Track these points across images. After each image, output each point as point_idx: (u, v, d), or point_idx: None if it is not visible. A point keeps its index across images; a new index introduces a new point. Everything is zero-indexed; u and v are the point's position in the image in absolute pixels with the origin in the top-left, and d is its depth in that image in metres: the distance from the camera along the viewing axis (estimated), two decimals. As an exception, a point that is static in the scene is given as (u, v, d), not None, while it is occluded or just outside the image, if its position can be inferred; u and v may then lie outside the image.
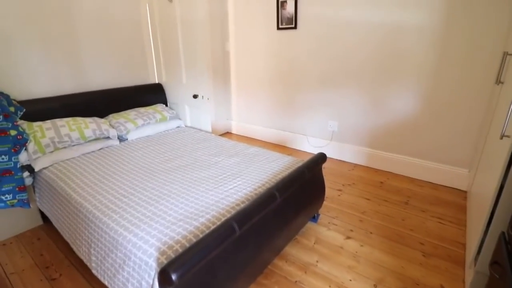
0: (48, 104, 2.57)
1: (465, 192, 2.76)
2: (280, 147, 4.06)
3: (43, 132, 2.27)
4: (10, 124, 2.05)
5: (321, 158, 2.10)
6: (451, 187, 2.85)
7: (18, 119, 2.25)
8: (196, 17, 2.90)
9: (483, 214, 1.54)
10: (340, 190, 2.83)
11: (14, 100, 2.38)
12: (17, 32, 2.39)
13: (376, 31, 2.92)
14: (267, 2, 3.68)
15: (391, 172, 3.20)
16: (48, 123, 2.38)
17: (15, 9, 2.35)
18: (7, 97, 2.26)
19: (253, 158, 2.26)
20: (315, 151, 3.78)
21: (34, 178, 2.21)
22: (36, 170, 2.14)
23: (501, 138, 1.37)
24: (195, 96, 3.25)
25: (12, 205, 2.03)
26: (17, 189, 2.04)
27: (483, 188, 1.81)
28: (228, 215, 1.47)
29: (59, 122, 2.43)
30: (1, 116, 1.98)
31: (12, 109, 2.23)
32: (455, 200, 2.62)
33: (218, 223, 1.40)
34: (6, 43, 2.34)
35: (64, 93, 2.76)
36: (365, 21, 2.97)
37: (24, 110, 2.38)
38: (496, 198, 1.36)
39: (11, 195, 2.02)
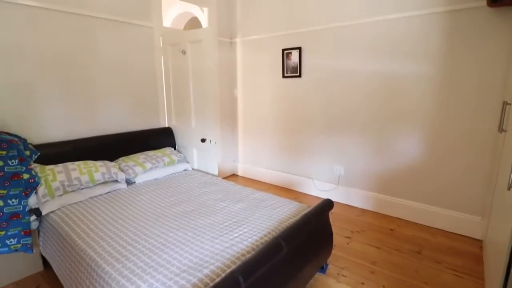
0: (62, 147, 2.67)
1: (480, 241, 2.65)
2: (286, 191, 4.03)
3: (54, 175, 2.33)
4: (24, 168, 2.12)
5: (328, 205, 2.08)
6: (465, 236, 2.74)
7: (32, 163, 2.33)
8: (207, 66, 3.11)
9: (500, 267, 1.47)
10: (348, 237, 2.74)
11: (30, 144, 2.48)
12: (38, 79, 2.57)
13: (378, 79, 3.06)
14: (273, 53, 3.94)
15: (401, 219, 3.11)
16: (60, 167, 2.45)
17: (38, 58, 2.56)
18: (24, 141, 2.37)
19: (259, 204, 2.25)
20: (322, 195, 3.73)
21: (40, 222, 2.21)
22: (43, 213, 2.16)
23: (509, 189, 1.36)
24: (203, 140, 3.34)
25: (16, 250, 2.01)
26: (22, 233, 2.04)
27: (498, 238, 1.75)
28: (233, 266, 1.43)
29: (70, 165, 2.50)
30: (16, 160, 2.05)
31: (27, 152, 2.32)
32: (470, 250, 2.50)
33: (223, 275, 1.36)
34: (27, 90, 2.50)
35: (78, 136, 2.87)
36: (366, 70, 3.13)
37: (39, 153, 2.47)
38: (511, 250, 1.31)
39: (15, 239, 2.01)
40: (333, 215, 3.20)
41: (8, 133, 2.30)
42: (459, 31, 2.53)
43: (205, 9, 4.20)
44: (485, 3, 2.33)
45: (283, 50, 3.80)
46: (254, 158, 4.53)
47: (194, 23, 5.30)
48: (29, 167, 2.16)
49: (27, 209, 2.05)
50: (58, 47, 2.65)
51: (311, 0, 3.46)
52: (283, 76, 3.90)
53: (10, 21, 2.35)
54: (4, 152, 2.03)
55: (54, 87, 2.67)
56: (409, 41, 2.81)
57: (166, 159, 3.14)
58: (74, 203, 2.29)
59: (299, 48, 3.65)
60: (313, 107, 3.65)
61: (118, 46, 3.11)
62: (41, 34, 2.53)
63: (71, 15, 2.70)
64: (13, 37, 2.38)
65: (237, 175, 4.77)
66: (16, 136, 2.34)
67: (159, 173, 3.02)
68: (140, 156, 3.04)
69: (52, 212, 2.17)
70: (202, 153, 3.48)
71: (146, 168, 2.89)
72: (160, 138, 3.54)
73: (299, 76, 3.73)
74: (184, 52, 3.28)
